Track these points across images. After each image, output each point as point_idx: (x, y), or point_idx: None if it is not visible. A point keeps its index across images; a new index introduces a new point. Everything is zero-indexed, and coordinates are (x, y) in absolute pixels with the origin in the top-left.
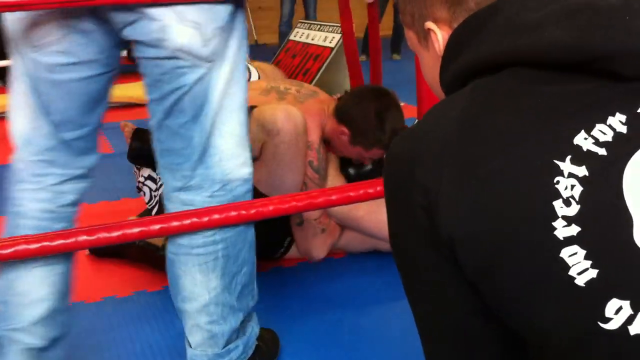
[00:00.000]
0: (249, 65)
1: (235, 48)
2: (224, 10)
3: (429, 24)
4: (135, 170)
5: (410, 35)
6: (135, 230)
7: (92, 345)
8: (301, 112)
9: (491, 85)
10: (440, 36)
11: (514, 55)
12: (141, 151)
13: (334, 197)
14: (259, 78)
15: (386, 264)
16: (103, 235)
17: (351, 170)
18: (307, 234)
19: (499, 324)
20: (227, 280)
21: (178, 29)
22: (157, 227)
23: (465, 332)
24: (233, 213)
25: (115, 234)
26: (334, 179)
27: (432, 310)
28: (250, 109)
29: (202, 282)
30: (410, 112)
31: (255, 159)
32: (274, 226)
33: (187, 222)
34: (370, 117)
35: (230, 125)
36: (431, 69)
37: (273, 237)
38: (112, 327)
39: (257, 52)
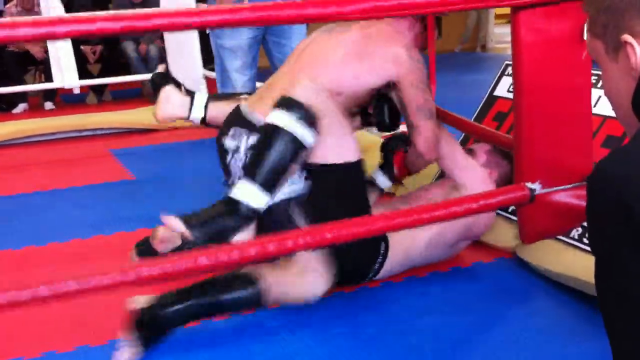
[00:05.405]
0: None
1: None
2: None
3: (627, 37)
4: None
5: (596, 46)
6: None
7: None
8: None
9: None
10: (638, 51)
11: None
12: None
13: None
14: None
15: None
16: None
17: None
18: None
19: None
20: None
21: None
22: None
23: None
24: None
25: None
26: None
27: None
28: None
29: None
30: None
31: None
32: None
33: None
34: None
35: None
36: (617, 81)
37: (365, 249)
38: None
39: None
